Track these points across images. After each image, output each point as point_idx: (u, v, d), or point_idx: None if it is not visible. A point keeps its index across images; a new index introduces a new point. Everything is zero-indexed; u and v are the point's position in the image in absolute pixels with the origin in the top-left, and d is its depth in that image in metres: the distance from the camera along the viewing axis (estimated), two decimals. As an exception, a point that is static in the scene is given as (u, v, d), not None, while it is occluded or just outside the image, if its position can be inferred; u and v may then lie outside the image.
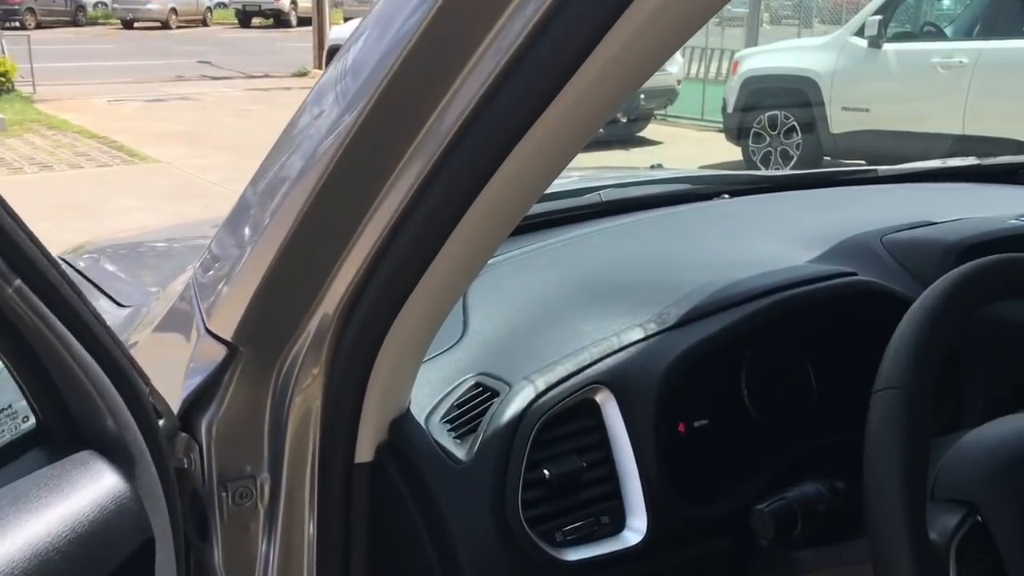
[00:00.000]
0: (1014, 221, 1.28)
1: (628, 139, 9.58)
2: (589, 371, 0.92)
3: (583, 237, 1.34)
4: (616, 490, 0.91)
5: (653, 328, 0.98)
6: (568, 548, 0.86)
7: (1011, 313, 1.14)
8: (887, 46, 7.25)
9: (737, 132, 8.28)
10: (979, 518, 0.78)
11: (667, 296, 1.04)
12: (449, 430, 0.89)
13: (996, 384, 1.10)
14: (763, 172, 1.71)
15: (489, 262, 1.28)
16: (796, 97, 7.93)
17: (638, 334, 0.97)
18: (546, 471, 0.87)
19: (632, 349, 0.95)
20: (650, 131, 10.12)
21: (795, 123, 7.84)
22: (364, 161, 0.72)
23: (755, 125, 8.05)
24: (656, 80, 9.46)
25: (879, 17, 7.20)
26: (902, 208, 1.56)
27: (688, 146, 9.69)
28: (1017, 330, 1.14)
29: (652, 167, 2.07)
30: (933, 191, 1.76)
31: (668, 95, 9.97)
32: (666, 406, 0.93)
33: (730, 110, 8.33)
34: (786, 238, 1.34)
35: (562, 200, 1.51)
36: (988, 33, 7.14)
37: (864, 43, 7.29)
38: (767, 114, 8.05)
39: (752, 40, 11.50)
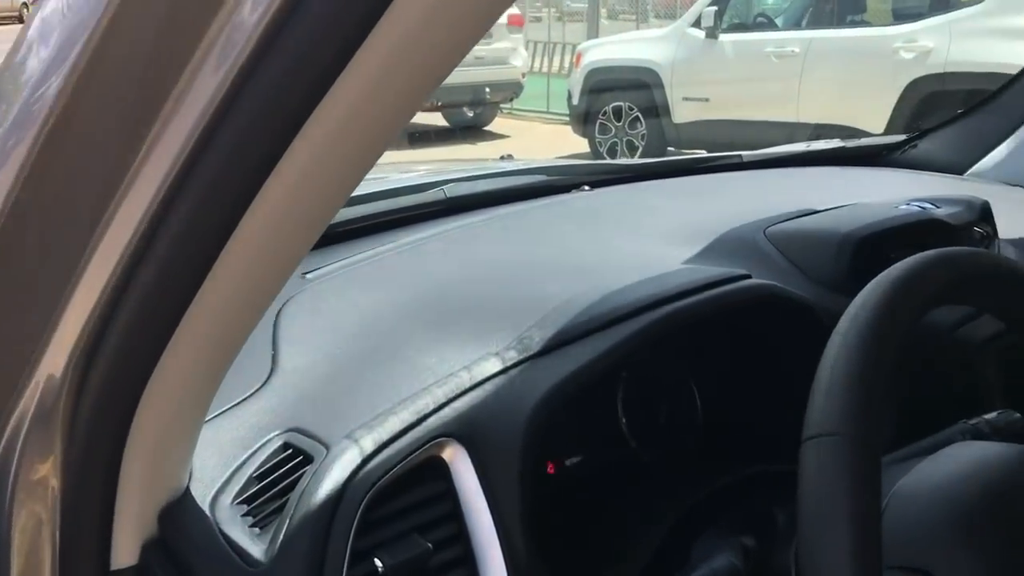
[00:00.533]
0: (905, 207, 1.15)
1: (474, 133, 9.50)
2: (433, 420, 0.70)
3: (424, 242, 1.12)
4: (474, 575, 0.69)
5: (513, 357, 0.77)
6: (414, 664, 0.64)
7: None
8: (723, 36, 7.40)
9: (583, 124, 8.31)
10: None
11: (529, 314, 0.83)
12: (245, 515, 0.65)
13: (905, 398, 0.95)
14: (623, 161, 1.55)
15: (309, 276, 1.04)
16: (639, 88, 8.01)
17: (495, 366, 0.76)
18: (379, 562, 0.65)
19: (488, 386, 0.74)
20: (496, 125, 10.07)
21: (639, 114, 7.91)
22: (90, 136, 0.48)
23: (600, 116, 8.09)
24: (501, 73, 9.39)
25: (714, 8, 7.32)
26: (776, 196, 1.42)
27: (536, 139, 9.67)
28: (928, 334, 1.00)
29: (502, 158, 1.87)
30: (803, 176, 1.64)
31: (513, 88, 9.90)
32: (534, 455, 0.73)
33: (575, 102, 8.34)
34: (658, 234, 1.17)
35: (400, 198, 1.29)
36: (817, 23, 7.37)
37: (701, 34, 7.41)
38: (611, 105, 8.10)
39: (593, 34, 11.62)
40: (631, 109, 7.98)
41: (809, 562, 0.55)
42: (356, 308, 0.92)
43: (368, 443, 0.67)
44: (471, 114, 9.79)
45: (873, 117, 6.28)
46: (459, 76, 8.96)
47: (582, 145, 8.18)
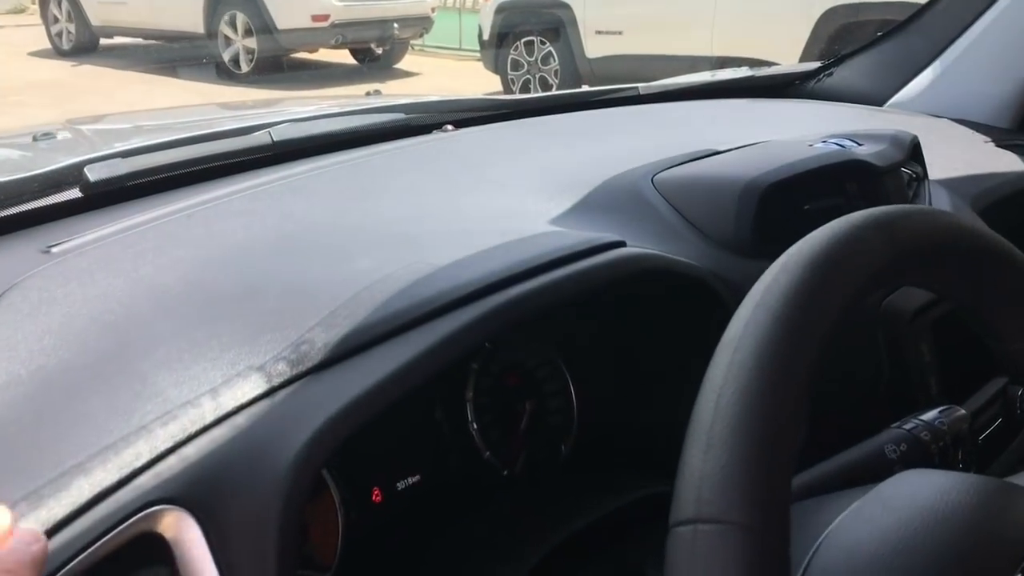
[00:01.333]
0: (820, 145, 0.94)
1: (384, 71, 9.21)
2: (146, 479, 0.48)
3: (227, 200, 0.88)
4: None
5: (284, 372, 0.55)
6: None
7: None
8: (632, -36, 7.22)
9: (495, 60, 8.11)
10: None
11: (320, 305, 0.60)
12: None
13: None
14: (502, 96, 1.32)
15: (55, 250, 0.79)
16: (550, 21, 7.81)
17: (255, 387, 0.54)
18: None
19: (240, 419, 0.51)
20: (407, 63, 9.75)
21: (551, 49, 7.72)
22: None
23: (512, 52, 7.88)
24: (409, 7, 9.03)
25: (627, -64, 7.11)
26: (673, 133, 1.21)
27: (448, 76, 9.41)
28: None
29: (368, 95, 1.62)
30: (706, 110, 1.43)
31: (423, 23, 9.55)
32: (298, 516, 0.50)
33: (485, 37, 8.11)
34: (527, 183, 0.94)
35: (216, 142, 1.04)
36: (732, -49, 7.20)
37: (614, -37, 7.22)
38: (523, 40, 7.89)
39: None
40: (543, 43, 7.78)
41: None
42: (100, 297, 0.67)
43: (30, 524, 0.44)
44: (380, 51, 9.45)
45: (788, 49, 6.16)
46: (365, 11, 8.61)
47: (496, 83, 7.94)
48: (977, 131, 1.45)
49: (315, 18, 8.34)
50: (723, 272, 0.77)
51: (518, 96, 1.33)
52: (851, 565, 0.44)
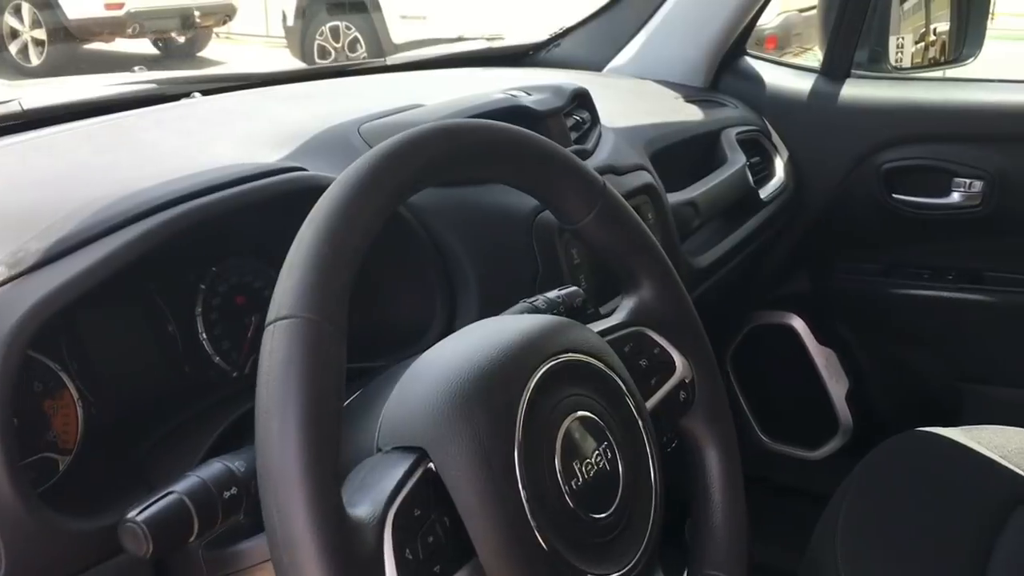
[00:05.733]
0: (499, 95, 1.14)
1: (188, 59, 8.95)
2: None
3: None
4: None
5: (2, 273, 0.68)
6: None
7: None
8: (437, -50, 7.34)
9: (301, 47, 8.03)
10: (431, 465, 0.60)
11: (37, 225, 0.74)
12: None
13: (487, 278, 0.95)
14: (254, 71, 1.46)
15: None
16: (354, 7, 7.82)
17: None
18: None
19: None
20: (212, 51, 9.49)
21: (357, 34, 7.74)
22: None
23: (318, 38, 7.84)
24: (210, -7, 8.80)
25: (425, -81, 7.23)
26: (399, 96, 1.39)
27: (255, 64, 9.24)
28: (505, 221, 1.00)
29: (134, 71, 1.71)
30: (441, 77, 1.61)
31: (225, 11, 9.34)
32: (19, 383, 0.64)
33: (289, 23, 8.02)
34: (253, 137, 1.09)
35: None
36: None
37: (414, -52, 7.31)
38: (328, 26, 7.87)
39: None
40: (349, 29, 7.80)
41: (262, 444, 0.52)
42: None
43: None
44: (182, 40, 9.14)
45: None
46: (164, -1, 8.34)
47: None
48: (673, 89, 1.70)
49: (108, 6, 8.00)
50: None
51: (269, 70, 1.48)
52: (429, 367, 0.63)
